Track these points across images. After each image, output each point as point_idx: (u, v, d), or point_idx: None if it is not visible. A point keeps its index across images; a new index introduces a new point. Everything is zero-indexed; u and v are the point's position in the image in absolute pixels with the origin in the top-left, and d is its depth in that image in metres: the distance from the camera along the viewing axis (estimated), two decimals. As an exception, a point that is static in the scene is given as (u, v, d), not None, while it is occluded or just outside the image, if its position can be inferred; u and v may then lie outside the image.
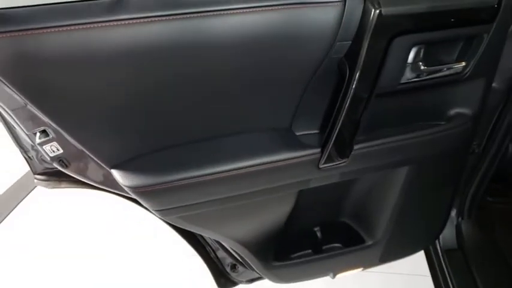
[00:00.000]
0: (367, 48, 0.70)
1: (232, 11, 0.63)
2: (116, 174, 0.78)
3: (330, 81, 0.80)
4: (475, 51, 0.80)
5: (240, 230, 1.00)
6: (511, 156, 1.33)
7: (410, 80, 0.79)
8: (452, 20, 0.72)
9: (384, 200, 1.09)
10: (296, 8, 0.66)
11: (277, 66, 0.72)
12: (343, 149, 0.85)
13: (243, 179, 0.83)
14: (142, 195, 0.79)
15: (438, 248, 1.39)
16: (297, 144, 0.84)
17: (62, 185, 1.03)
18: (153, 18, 0.59)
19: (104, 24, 0.57)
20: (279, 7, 0.65)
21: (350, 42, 0.71)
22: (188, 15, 0.61)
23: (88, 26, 0.57)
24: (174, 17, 0.60)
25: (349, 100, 0.76)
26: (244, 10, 0.63)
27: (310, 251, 1.20)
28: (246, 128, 0.83)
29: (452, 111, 0.93)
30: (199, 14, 0.61)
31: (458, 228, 1.39)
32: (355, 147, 0.85)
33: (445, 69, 0.81)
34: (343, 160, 0.86)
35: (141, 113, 0.71)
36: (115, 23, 0.57)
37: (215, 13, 0.62)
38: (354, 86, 0.74)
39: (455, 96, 0.90)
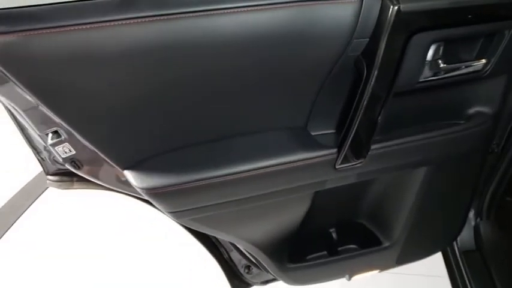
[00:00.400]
0: (385, 45, 0.67)
1: (246, 9, 0.61)
2: (129, 175, 0.77)
3: (346, 79, 0.78)
4: (496, 48, 0.77)
5: (255, 232, 0.98)
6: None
7: (429, 79, 0.76)
8: (473, 16, 0.70)
9: (402, 201, 1.06)
10: (312, 5, 0.64)
11: (293, 64, 0.70)
12: (360, 149, 0.82)
13: (258, 180, 0.81)
14: (155, 196, 0.78)
15: (456, 249, 1.36)
16: (313, 144, 0.82)
17: (75, 186, 1.02)
18: (164, 17, 0.57)
19: (112, 23, 0.56)
20: (294, 4, 0.63)
21: (367, 39, 0.69)
22: (203, 13, 0.59)
23: (97, 25, 0.55)
24: (191, 14, 0.59)
25: (366, 99, 0.74)
26: (259, 8, 0.61)
27: (325, 252, 1.18)
28: (261, 127, 0.82)
29: (472, 110, 0.90)
30: (213, 12, 0.60)
31: (476, 229, 1.36)
32: (372, 147, 0.82)
33: (464, 67, 0.78)
34: (360, 160, 0.84)
35: (153, 113, 0.70)
36: (124, 21, 0.56)
37: (229, 11, 0.60)
38: (371, 85, 0.72)
39: (475, 94, 0.88)
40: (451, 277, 1.37)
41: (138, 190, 0.78)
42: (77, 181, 1.00)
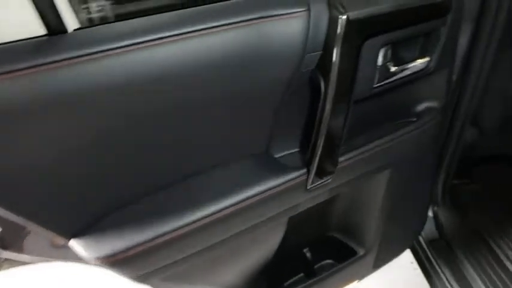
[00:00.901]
0: (339, 56, 0.65)
1: (185, 35, 0.55)
2: (77, 245, 0.65)
3: (304, 96, 0.74)
4: (435, 45, 0.80)
5: (231, 274, 0.90)
6: (470, 140, 1.36)
7: (382, 83, 0.76)
8: (412, 17, 0.71)
9: (369, 206, 1.05)
10: (257, 24, 0.60)
11: (245, 88, 0.65)
12: (329, 165, 0.79)
13: (227, 220, 0.73)
14: (114, 264, 0.67)
15: (422, 241, 1.39)
16: (280, 169, 0.77)
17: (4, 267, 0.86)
18: (88, 56, 0.49)
19: (41, 67, 0.47)
20: (239, 24, 0.58)
21: (320, 52, 0.66)
22: (139, 46, 0.52)
23: (10, 75, 0.46)
24: (126, 48, 0.51)
25: (328, 112, 0.71)
26: (200, 32, 0.56)
27: (302, 274, 1.13)
28: (220, 161, 0.75)
29: (423, 107, 0.92)
30: (150, 43, 0.53)
31: (436, 217, 1.40)
32: (340, 159, 0.80)
33: (411, 66, 0.79)
34: (330, 176, 0.80)
35: (92, 168, 0.60)
36: (43, 66, 0.47)
37: (167, 40, 0.54)
38: (331, 97, 0.69)
39: (424, 91, 0.90)
40: (423, 268, 1.39)
41: (91, 261, 0.66)
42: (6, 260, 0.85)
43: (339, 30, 0.63)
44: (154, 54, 0.54)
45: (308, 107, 0.76)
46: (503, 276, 1.23)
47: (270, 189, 0.74)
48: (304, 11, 0.62)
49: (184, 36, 0.55)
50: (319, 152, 0.75)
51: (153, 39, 0.53)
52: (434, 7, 0.74)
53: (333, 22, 0.63)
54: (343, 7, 0.63)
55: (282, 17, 0.61)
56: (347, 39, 0.64)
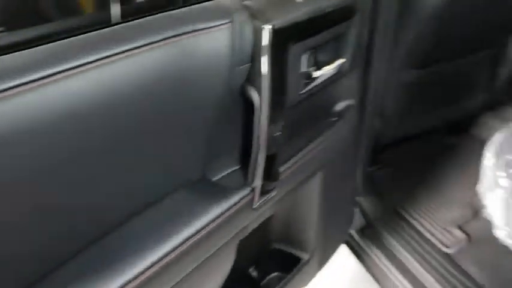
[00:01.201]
0: (268, 66, 0.64)
1: (98, 63, 0.47)
2: None
3: (237, 110, 0.71)
4: (347, 46, 0.84)
5: None
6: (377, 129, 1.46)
7: (308, 88, 0.77)
8: (326, 22, 0.74)
9: (307, 210, 1.06)
10: (179, 41, 0.55)
11: (174, 110, 0.60)
12: (271, 179, 0.76)
13: (169, 267, 0.64)
14: None
15: (353, 232, 1.44)
16: (222, 194, 0.71)
17: None
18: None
19: None
20: (159, 43, 0.53)
21: (249, 64, 0.64)
22: (41, 82, 0.43)
23: None
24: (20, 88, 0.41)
25: (264, 124, 0.68)
26: (116, 57, 0.49)
27: None
28: (155, 195, 0.67)
29: (342, 105, 0.95)
30: (62, 74, 0.44)
31: (360, 206, 1.47)
32: (281, 170, 0.78)
33: (331, 69, 0.81)
34: (274, 190, 0.78)
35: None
36: None
37: (75, 70, 0.45)
38: (265, 109, 0.67)
39: (342, 91, 0.93)
40: (358, 256, 1.44)
41: None
42: None
43: (265, 41, 0.61)
44: (62, 89, 0.45)
45: (243, 122, 0.73)
46: (424, 245, 1.34)
47: (214, 219, 0.68)
48: (227, 23, 0.58)
49: (95, 64, 0.47)
50: (261, 167, 0.72)
51: (52, 73, 0.44)
52: (343, 10, 0.77)
53: (257, 33, 0.61)
54: (266, 18, 0.61)
55: (204, 31, 0.57)
56: (274, 49, 0.63)
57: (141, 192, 0.64)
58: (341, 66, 0.83)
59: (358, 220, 1.46)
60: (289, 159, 0.81)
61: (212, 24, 0.57)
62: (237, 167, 0.78)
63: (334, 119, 0.94)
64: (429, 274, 1.25)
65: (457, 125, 1.75)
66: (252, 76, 0.65)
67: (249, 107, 0.68)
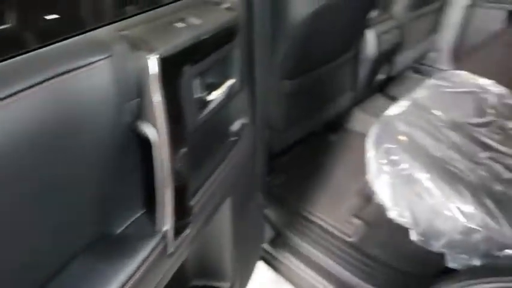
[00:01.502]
0: (159, 97, 0.58)
1: None
2: None
3: (133, 149, 0.63)
4: (236, 67, 0.83)
5: None
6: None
7: (204, 112, 0.73)
8: (210, 45, 0.71)
9: (220, 238, 1.01)
10: (55, 83, 0.46)
11: (62, 160, 0.51)
12: (183, 218, 0.70)
13: None
14: None
15: (266, 246, 1.44)
16: (131, 250, 0.62)
17: None
18: None
19: None
20: (33, 89, 0.44)
21: (137, 99, 0.57)
22: None
23: None
24: None
25: (166, 160, 0.62)
26: None
27: None
28: (52, 265, 0.55)
29: (239, 124, 0.94)
30: None
31: (267, 218, 1.48)
32: (192, 203, 0.72)
33: (223, 90, 0.80)
34: (188, 226, 0.71)
35: None
36: None
37: None
38: (163, 142, 0.61)
39: (236, 110, 0.92)
40: (273, 267, 1.44)
41: None
42: None
43: (153, 71, 0.56)
44: None
45: (141, 161, 0.65)
46: (329, 238, 1.41)
47: (127, 280, 0.59)
48: (106, 57, 0.51)
49: None
50: (169, 206, 0.65)
51: None
52: (225, 32, 0.76)
53: (143, 64, 0.55)
54: (149, 46, 0.56)
55: (81, 69, 0.49)
56: (164, 78, 0.57)
57: (33, 266, 0.52)
58: (232, 86, 0.82)
59: (268, 232, 1.47)
60: (198, 190, 0.75)
61: (88, 60, 0.49)
62: (143, 212, 0.70)
63: (233, 139, 0.93)
64: (339, 265, 1.32)
65: (335, 123, 1.92)
66: (144, 110, 0.58)
67: (145, 143, 0.61)
